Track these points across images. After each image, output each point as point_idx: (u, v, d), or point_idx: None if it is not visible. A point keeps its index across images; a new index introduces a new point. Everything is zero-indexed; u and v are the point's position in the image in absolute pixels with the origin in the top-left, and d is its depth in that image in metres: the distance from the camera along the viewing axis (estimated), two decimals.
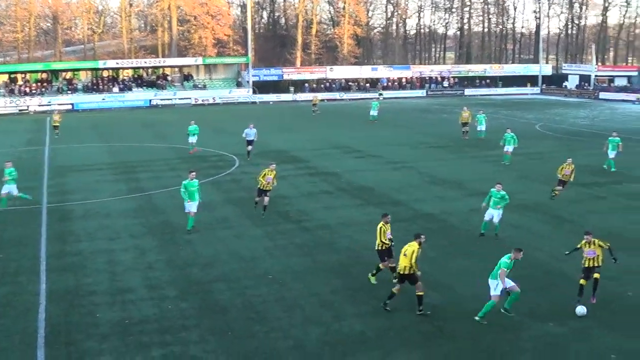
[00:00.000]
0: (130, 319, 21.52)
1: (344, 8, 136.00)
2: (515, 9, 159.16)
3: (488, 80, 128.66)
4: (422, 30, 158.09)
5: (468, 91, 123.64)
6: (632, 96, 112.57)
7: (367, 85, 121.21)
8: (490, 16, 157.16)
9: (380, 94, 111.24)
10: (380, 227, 24.32)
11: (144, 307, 22.43)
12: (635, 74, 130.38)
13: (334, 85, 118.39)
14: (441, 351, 19.58)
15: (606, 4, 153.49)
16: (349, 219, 33.93)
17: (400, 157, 52.61)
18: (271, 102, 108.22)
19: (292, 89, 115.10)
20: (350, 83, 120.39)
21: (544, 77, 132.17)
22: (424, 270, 24.17)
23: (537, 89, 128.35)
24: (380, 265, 24.48)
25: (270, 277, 25.25)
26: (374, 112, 77.46)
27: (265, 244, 29.71)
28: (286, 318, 21.62)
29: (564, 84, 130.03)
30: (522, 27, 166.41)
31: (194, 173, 32.07)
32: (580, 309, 21.95)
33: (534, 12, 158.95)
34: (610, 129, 67.10)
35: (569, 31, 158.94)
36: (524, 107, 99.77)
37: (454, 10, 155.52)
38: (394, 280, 23.10)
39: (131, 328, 20.85)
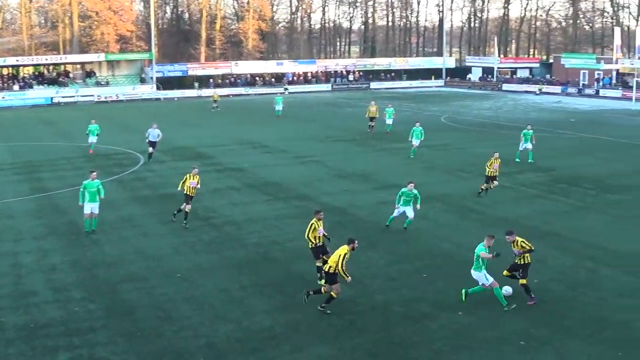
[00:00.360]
0: (35, 322, 20.97)
1: (248, 3, 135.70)
2: (418, 2, 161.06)
3: (393, 74, 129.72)
4: (326, 25, 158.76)
5: (373, 85, 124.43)
6: (534, 87, 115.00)
7: (273, 80, 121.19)
8: (394, 10, 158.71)
9: (286, 89, 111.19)
10: (312, 224, 24.01)
11: (50, 310, 21.90)
12: (537, 65, 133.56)
13: (239, 81, 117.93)
14: (352, 344, 19.56)
15: None
16: (256, 214, 33.77)
17: (307, 151, 52.66)
18: (176, 99, 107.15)
19: (196, 84, 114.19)
20: (255, 78, 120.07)
21: (447, 69, 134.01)
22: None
23: (441, 82, 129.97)
24: (317, 263, 24.15)
25: (178, 276, 24.94)
26: (278, 107, 77.19)
27: (172, 241, 29.36)
28: (195, 316, 21.38)
29: (467, 76, 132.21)
30: (426, 20, 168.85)
31: (95, 173, 31.34)
32: (507, 289, 22.43)
33: (437, 5, 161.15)
34: (514, 119, 68.48)
35: (472, 24, 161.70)
36: (428, 99, 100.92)
37: (358, 4, 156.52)
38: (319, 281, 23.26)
39: (37, 332, 20.32)
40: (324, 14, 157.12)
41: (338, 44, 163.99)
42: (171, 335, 20.06)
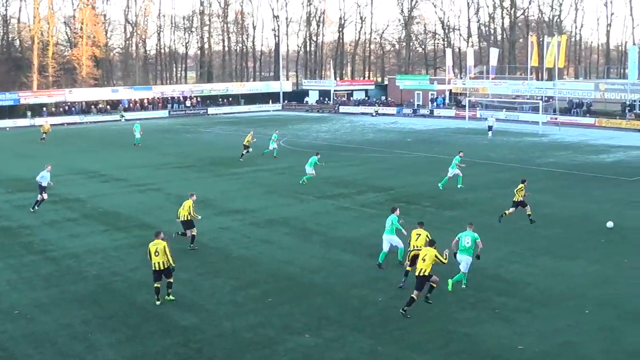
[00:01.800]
0: None
1: (81, 29, 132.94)
2: (254, 27, 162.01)
3: (230, 99, 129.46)
4: (162, 50, 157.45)
5: (211, 110, 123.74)
6: (370, 109, 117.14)
7: (108, 107, 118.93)
8: (230, 35, 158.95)
9: (122, 116, 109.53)
10: (165, 245, 24.38)
11: None
12: (373, 87, 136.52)
13: (73, 108, 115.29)
14: None
15: (342, 21, 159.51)
16: (96, 245, 32.94)
17: (145, 179, 51.86)
18: (7, 128, 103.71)
19: (29, 113, 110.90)
20: (91, 106, 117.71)
21: (285, 93, 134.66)
22: (178, 292, 24.07)
23: (279, 106, 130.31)
24: (158, 284, 24.38)
25: (16, 312, 24.00)
26: (137, 135, 75.43)
27: (9, 277, 28.24)
28: (37, 354, 20.60)
29: (305, 99, 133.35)
30: (262, 45, 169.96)
31: None
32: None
33: (273, 30, 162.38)
34: (352, 141, 69.43)
35: (308, 48, 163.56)
36: (267, 123, 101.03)
37: (193, 29, 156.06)
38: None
39: None
40: (159, 40, 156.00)
41: (174, 69, 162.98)
42: None
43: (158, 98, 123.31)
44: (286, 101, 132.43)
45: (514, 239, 32.94)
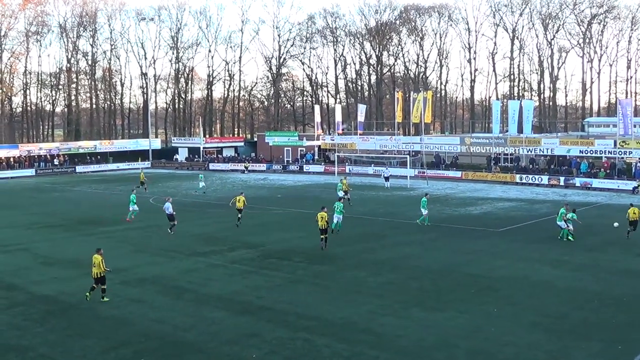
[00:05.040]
0: None
1: None
2: (122, 85, 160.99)
3: (99, 156, 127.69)
4: (29, 108, 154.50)
5: (79, 168, 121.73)
6: (240, 165, 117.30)
7: None
8: (98, 92, 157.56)
9: None
10: (101, 259, 32.23)
11: None
12: (242, 144, 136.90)
13: None
14: None
15: (210, 79, 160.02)
16: None
17: (12, 239, 50.38)
18: None
19: None
20: None
21: (154, 151, 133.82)
22: (46, 354, 23.54)
23: (148, 163, 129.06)
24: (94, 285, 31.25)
25: None
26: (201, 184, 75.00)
27: None
28: None
29: (174, 157, 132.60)
30: (130, 102, 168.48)
31: None
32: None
33: (141, 87, 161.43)
34: (222, 198, 69.24)
35: (177, 105, 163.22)
36: (135, 181, 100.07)
37: (60, 87, 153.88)
38: None
39: None
40: (25, 97, 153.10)
41: (41, 127, 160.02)
42: None
43: (24, 156, 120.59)
44: (155, 159, 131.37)
45: (385, 292, 33.37)
